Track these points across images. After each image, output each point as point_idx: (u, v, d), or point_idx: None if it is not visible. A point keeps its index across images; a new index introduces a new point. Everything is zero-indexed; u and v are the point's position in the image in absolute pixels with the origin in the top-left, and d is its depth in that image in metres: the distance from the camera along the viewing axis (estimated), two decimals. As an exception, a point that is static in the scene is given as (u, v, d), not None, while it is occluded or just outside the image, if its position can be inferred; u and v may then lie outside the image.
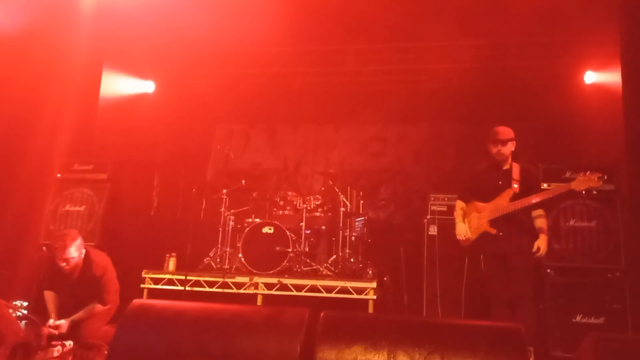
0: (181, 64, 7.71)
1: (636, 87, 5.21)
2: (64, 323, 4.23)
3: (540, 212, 4.30)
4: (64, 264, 4.26)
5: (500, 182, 4.34)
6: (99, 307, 4.39)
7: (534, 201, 4.14)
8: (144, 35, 6.58)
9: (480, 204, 4.42)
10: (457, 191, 4.81)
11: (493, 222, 4.27)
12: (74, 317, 4.30)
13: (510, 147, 4.34)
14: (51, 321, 4.26)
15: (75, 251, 4.28)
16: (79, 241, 4.35)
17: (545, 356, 4.80)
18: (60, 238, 4.32)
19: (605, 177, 4.05)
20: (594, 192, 4.04)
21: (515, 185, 4.25)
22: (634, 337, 4.39)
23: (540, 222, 4.30)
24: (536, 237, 4.24)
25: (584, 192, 4.01)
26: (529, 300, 4.15)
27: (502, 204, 4.25)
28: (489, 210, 4.33)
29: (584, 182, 3.99)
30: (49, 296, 4.54)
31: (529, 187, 4.28)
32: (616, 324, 4.76)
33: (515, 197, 4.22)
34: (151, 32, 6.51)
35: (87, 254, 4.45)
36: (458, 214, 4.58)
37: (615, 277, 4.99)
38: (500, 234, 4.23)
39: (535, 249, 4.18)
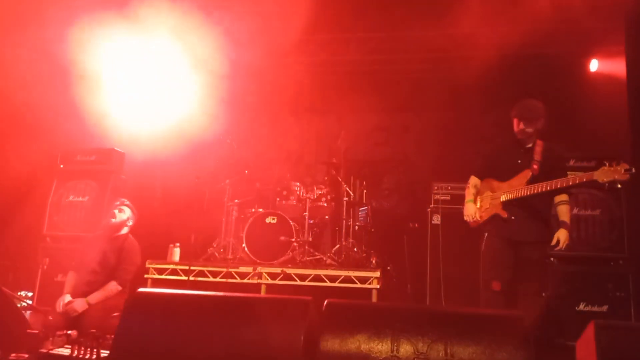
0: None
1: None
2: (79, 302, 4.34)
3: (563, 197, 3.92)
4: (116, 210, 4.80)
5: (519, 161, 3.98)
6: (114, 284, 4.49)
7: (548, 188, 3.76)
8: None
9: (495, 183, 4.09)
10: (473, 166, 4.36)
11: (506, 205, 3.95)
12: (90, 297, 4.39)
13: (538, 125, 3.93)
14: (67, 297, 4.39)
15: (126, 210, 4.85)
16: (135, 215, 4.93)
17: (548, 344, 4.81)
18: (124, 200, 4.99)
19: (634, 170, 3.54)
20: (619, 186, 3.65)
21: (535, 167, 3.89)
22: (636, 325, 4.40)
23: (563, 211, 3.92)
24: (549, 226, 3.92)
25: (607, 184, 3.61)
26: (536, 294, 3.89)
27: (518, 185, 3.91)
28: (503, 190, 3.99)
29: (608, 173, 3.57)
30: (70, 276, 4.69)
31: (550, 168, 3.90)
32: (619, 312, 4.77)
33: (534, 179, 3.87)
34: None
35: (128, 234, 4.88)
36: (470, 192, 4.20)
37: (618, 266, 5.00)
38: (513, 218, 3.91)
39: (554, 241, 3.83)
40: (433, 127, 8.01)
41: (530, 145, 4.00)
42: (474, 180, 4.24)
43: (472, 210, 4.10)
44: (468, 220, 4.14)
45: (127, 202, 4.94)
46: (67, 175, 6.28)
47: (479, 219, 4.08)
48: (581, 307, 4.87)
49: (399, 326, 2.33)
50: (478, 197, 4.17)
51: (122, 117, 6.81)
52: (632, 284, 4.84)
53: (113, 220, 4.76)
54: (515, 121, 3.99)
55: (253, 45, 7.47)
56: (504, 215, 3.93)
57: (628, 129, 5.28)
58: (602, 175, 3.59)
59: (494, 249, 3.99)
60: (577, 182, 3.70)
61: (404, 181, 7.89)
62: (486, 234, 4.08)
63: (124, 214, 4.83)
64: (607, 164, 3.60)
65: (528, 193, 3.84)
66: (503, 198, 3.96)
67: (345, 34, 7.12)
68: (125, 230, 4.84)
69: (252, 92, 8.20)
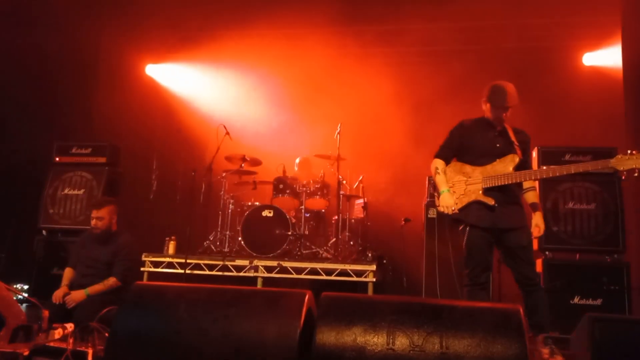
0: (175, 46, 7.71)
1: (637, 68, 5.18)
2: (78, 293, 4.37)
3: (533, 183, 3.85)
4: (94, 222, 4.62)
5: (498, 145, 3.80)
6: (113, 280, 4.51)
7: (557, 173, 3.62)
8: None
9: (468, 167, 3.84)
10: (437, 148, 4.08)
11: (488, 191, 3.72)
12: (89, 289, 4.41)
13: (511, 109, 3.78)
14: (64, 290, 4.43)
15: (106, 213, 4.64)
16: (113, 208, 4.72)
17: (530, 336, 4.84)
18: (100, 198, 4.91)
19: None
20: (635, 175, 3.36)
21: (519, 151, 3.74)
22: (630, 318, 4.44)
23: (534, 196, 3.84)
24: (524, 210, 3.80)
25: (625, 173, 3.39)
26: (539, 284, 3.72)
27: (502, 170, 3.70)
28: (484, 176, 3.75)
29: (628, 161, 3.36)
30: (67, 272, 4.72)
31: (523, 152, 3.80)
32: (613, 305, 4.79)
33: (521, 164, 3.72)
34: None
35: (120, 229, 4.79)
36: (442, 180, 3.87)
37: (613, 259, 5.02)
38: (496, 205, 3.68)
39: (533, 228, 3.75)
40: (429, 121, 8.01)
41: (500, 128, 3.85)
42: (441, 164, 3.95)
43: (449, 201, 3.79)
44: (444, 212, 3.83)
45: (98, 202, 4.79)
46: (63, 168, 6.27)
47: (457, 210, 3.80)
48: (576, 300, 4.90)
49: (394, 319, 2.34)
50: (448, 183, 3.91)
51: (118, 110, 6.81)
52: (627, 277, 4.87)
53: (96, 231, 4.65)
54: (490, 106, 3.81)
55: (248, 38, 7.48)
56: (491, 202, 3.69)
57: (622, 123, 5.30)
58: (620, 163, 3.40)
59: (478, 242, 3.75)
60: (591, 169, 3.57)
61: (400, 174, 7.89)
62: (467, 227, 3.80)
63: (103, 218, 4.63)
64: (621, 154, 3.41)
65: (524, 179, 3.68)
66: (485, 184, 3.73)
67: (342, 26, 7.11)
68: (114, 227, 4.74)
69: (249, 85, 8.19)
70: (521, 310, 2.35)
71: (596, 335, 2.63)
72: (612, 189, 5.13)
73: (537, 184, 3.90)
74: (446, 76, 7.17)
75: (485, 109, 3.90)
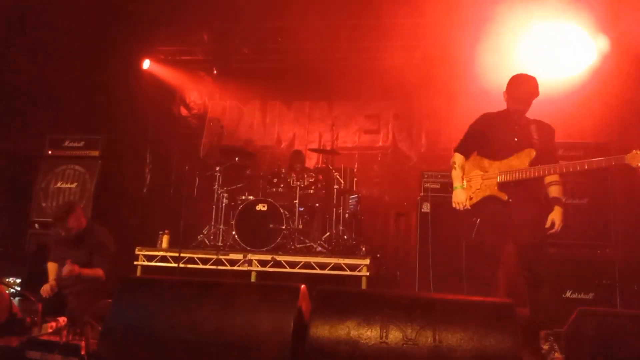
0: (173, 40, 7.66)
1: (633, 64, 5.21)
2: (67, 267, 4.28)
3: (555, 177, 3.69)
4: (65, 233, 4.49)
5: (516, 139, 3.69)
6: (101, 272, 4.49)
7: (571, 169, 3.48)
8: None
9: (487, 162, 3.78)
10: (458, 143, 3.99)
11: (503, 186, 3.66)
12: (83, 271, 4.36)
13: (531, 102, 3.68)
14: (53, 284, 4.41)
15: (73, 221, 4.48)
16: (76, 212, 4.55)
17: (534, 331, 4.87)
18: (59, 211, 4.57)
19: None
20: None
21: (537, 145, 3.64)
22: (621, 312, 4.47)
23: (556, 191, 3.69)
24: (544, 208, 3.67)
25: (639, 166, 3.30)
26: (546, 282, 3.63)
27: (518, 165, 3.63)
28: (500, 170, 3.68)
29: None
30: (52, 267, 4.66)
31: (545, 147, 3.67)
32: (605, 299, 4.82)
33: (537, 159, 3.62)
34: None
35: (90, 224, 4.68)
36: (458, 176, 3.84)
37: (605, 254, 5.05)
38: (510, 200, 3.62)
39: (549, 223, 3.60)
40: (424, 116, 8.02)
41: (523, 122, 3.74)
42: (460, 159, 3.90)
43: (462, 197, 3.77)
44: (457, 208, 3.81)
45: (59, 217, 4.49)
46: (55, 161, 6.24)
47: (469, 206, 3.76)
48: (568, 294, 4.92)
49: (388, 313, 2.35)
50: (465, 177, 3.86)
51: (111, 103, 6.77)
52: (618, 271, 4.90)
53: (64, 234, 4.51)
54: (510, 100, 3.73)
55: (244, 32, 7.44)
56: (504, 197, 3.63)
57: (614, 118, 5.33)
58: (636, 159, 3.32)
59: (488, 238, 3.70)
60: (604, 165, 3.44)
61: (394, 169, 7.90)
62: (478, 220, 3.74)
63: (72, 227, 4.48)
64: (635, 150, 3.33)
65: (539, 175, 3.58)
66: (501, 179, 3.66)
67: (336, 20, 7.09)
68: (84, 223, 4.60)
69: (243, 79, 8.16)
70: (513, 305, 2.37)
71: (588, 329, 2.65)
72: (604, 184, 5.15)
73: (559, 176, 3.72)
74: (443, 71, 7.17)
75: (506, 100, 3.80)
